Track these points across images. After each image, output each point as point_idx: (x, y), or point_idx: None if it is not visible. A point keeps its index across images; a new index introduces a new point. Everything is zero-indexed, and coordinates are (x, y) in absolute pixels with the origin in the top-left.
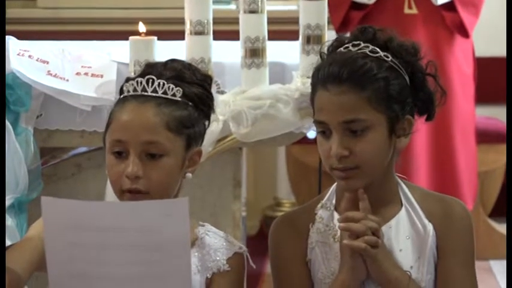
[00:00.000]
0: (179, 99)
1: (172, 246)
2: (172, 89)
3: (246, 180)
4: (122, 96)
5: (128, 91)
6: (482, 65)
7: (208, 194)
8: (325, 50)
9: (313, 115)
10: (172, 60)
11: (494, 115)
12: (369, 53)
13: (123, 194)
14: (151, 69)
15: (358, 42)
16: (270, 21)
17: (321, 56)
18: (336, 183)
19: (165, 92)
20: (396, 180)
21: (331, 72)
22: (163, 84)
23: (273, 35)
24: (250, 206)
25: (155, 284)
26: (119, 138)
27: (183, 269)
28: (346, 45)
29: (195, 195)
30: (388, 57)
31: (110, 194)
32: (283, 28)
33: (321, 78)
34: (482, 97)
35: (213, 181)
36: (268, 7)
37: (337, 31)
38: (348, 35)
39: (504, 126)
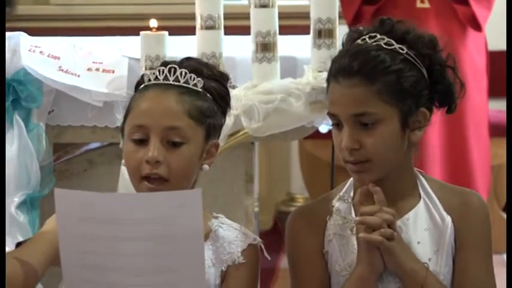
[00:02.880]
0: (200, 90)
1: (186, 238)
2: (194, 79)
3: (258, 175)
4: (142, 85)
5: (149, 80)
6: (496, 59)
7: (220, 189)
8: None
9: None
10: (188, 59)
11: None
12: (383, 45)
13: (141, 181)
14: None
15: (374, 34)
16: (281, 16)
17: (343, 47)
18: None
19: (186, 82)
20: (415, 173)
21: (343, 65)
22: (186, 73)
23: (284, 30)
24: (264, 201)
25: (169, 275)
26: (140, 124)
27: (196, 260)
28: (364, 37)
29: (207, 191)
30: (403, 49)
31: (122, 189)
32: (294, 23)
33: (334, 70)
34: (496, 90)
35: (225, 176)
36: (279, 1)
37: (350, 26)
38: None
39: None
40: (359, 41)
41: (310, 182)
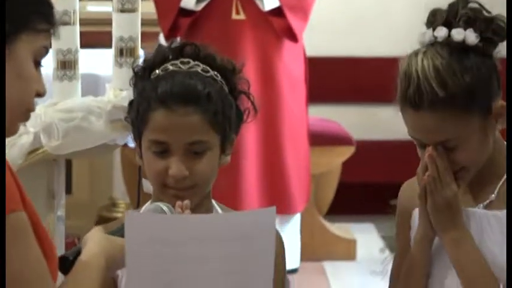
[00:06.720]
0: None
1: (258, 256)
2: None
3: (77, 183)
4: None
5: None
6: (317, 66)
7: None
8: (137, 63)
9: (133, 128)
10: None
11: (328, 115)
12: (201, 72)
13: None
14: None
15: (187, 60)
16: (82, 22)
17: (134, 70)
18: None
19: None
20: None
21: (175, 93)
22: None
23: (88, 38)
24: (86, 208)
25: None
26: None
27: (267, 278)
28: (174, 62)
29: None
30: (217, 76)
31: None
32: (99, 29)
33: (161, 96)
34: (315, 97)
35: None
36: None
37: (166, 37)
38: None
39: (339, 128)
40: (169, 66)
41: (131, 187)
